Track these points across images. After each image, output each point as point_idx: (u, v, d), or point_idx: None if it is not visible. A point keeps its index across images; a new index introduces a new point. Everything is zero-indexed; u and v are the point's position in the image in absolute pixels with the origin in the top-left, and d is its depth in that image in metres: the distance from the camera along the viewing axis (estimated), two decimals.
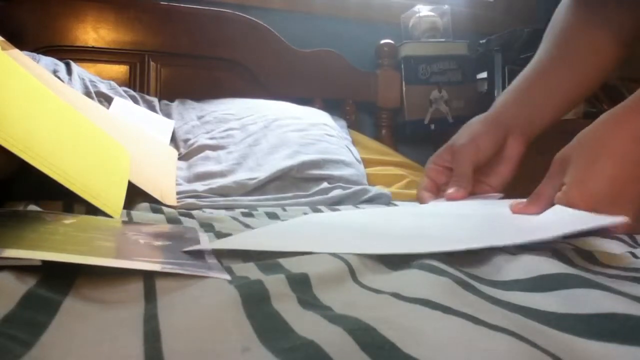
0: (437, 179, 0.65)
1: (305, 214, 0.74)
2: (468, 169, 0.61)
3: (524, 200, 0.50)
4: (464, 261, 0.35)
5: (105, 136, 0.77)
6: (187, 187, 0.92)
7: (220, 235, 0.50)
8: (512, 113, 0.65)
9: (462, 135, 0.64)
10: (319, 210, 0.81)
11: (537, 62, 0.67)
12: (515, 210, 0.50)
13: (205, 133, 1.12)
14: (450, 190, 0.61)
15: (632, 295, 0.25)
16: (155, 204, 0.74)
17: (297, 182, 1.01)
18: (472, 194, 0.62)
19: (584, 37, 0.65)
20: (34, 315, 0.23)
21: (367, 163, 1.21)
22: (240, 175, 0.98)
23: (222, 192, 0.91)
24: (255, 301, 0.26)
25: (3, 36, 0.92)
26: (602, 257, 0.38)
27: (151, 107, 1.19)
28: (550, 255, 0.35)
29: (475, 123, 0.65)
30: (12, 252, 0.29)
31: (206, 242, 0.44)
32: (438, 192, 0.65)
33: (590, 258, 0.38)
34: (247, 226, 0.59)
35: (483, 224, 0.49)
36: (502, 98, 0.67)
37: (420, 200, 0.66)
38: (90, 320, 0.24)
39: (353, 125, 1.44)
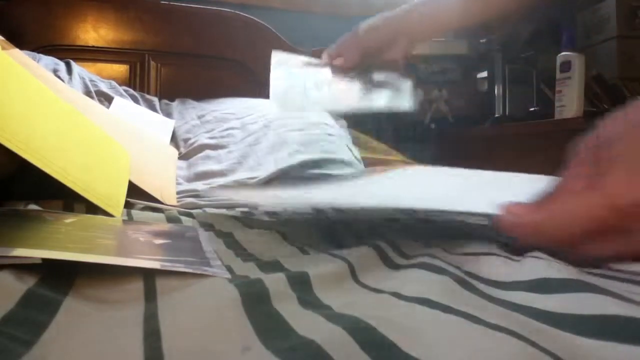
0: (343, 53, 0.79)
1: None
2: (355, 51, 0.78)
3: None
4: (463, 261, 0.35)
5: (105, 136, 0.77)
6: (187, 186, 0.92)
7: (220, 234, 0.49)
8: (406, 16, 0.76)
9: (362, 26, 0.79)
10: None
11: None
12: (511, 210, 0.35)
13: (206, 132, 1.12)
14: (337, 61, 0.78)
15: (636, 301, 0.25)
16: (156, 203, 0.74)
17: (297, 181, 1.01)
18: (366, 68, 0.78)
19: None
20: (34, 315, 0.23)
21: (367, 162, 1.21)
22: (241, 175, 0.98)
23: None
24: (255, 300, 0.26)
25: (3, 35, 0.92)
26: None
27: (151, 107, 1.19)
28: (553, 259, 0.33)
29: (378, 18, 0.79)
30: (19, 252, 0.29)
31: (207, 241, 0.44)
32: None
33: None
34: (248, 225, 0.59)
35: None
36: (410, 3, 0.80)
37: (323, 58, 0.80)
38: (90, 319, 0.24)
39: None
